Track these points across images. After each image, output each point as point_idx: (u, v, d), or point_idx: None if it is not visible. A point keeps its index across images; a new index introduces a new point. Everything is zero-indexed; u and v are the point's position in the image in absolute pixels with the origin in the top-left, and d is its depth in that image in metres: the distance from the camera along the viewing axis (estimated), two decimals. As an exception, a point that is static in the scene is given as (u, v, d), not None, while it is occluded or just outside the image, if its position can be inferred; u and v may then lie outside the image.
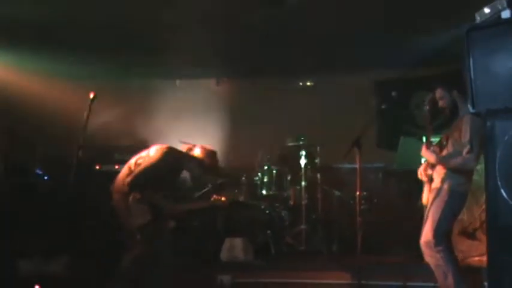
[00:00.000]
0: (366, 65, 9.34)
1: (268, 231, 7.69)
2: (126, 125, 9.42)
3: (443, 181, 4.96)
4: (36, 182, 8.09)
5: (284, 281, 6.35)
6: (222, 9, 6.83)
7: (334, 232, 7.94)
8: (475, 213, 6.40)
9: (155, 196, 5.35)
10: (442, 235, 4.90)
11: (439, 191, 4.96)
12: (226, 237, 7.32)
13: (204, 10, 6.84)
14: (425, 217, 5.02)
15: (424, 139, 5.33)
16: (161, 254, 5.39)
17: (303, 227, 7.90)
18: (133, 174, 5.29)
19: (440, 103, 5.12)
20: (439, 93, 5.12)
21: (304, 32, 7.62)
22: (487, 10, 3.82)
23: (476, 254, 6.12)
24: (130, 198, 5.23)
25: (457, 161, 4.88)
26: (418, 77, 9.34)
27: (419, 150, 5.18)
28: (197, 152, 5.68)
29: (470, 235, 6.46)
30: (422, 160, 5.32)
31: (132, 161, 5.46)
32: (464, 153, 4.78)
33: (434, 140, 5.28)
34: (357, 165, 5.33)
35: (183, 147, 5.73)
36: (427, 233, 4.92)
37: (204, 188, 8.04)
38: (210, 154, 5.73)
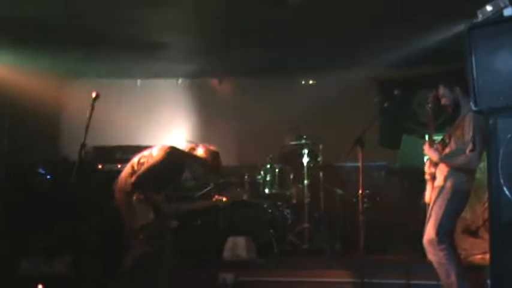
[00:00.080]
0: (368, 63, 9.31)
1: (271, 230, 7.69)
2: (128, 124, 9.43)
3: (446, 179, 4.95)
4: (39, 181, 8.09)
5: (287, 279, 6.35)
6: (224, 8, 6.83)
7: (337, 230, 7.93)
8: (477, 211, 6.40)
9: (158, 196, 5.35)
10: (445, 233, 4.90)
11: (441, 189, 4.96)
12: (229, 236, 7.31)
13: (205, 9, 6.84)
14: (428, 215, 5.02)
15: (426, 137, 5.32)
16: (164, 253, 5.39)
17: (305, 225, 7.90)
18: (136, 174, 5.29)
19: (443, 101, 5.13)
20: (441, 91, 5.12)
21: (306, 30, 7.62)
22: (489, 8, 3.81)
23: (479, 252, 6.13)
24: (134, 197, 5.24)
25: (460, 160, 4.88)
26: (420, 75, 9.32)
27: (422, 148, 5.19)
28: (200, 152, 5.68)
29: (473, 233, 6.46)
30: (425, 158, 5.32)
31: (135, 160, 5.46)
32: (467, 151, 4.78)
33: (437, 138, 5.27)
34: (360, 164, 5.33)
35: (186, 147, 5.74)
36: (430, 231, 4.92)
37: (206, 188, 8.04)
38: (213, 154, 5.73)
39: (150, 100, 10.16)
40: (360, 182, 5.31)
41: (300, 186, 8.27)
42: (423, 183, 5.31)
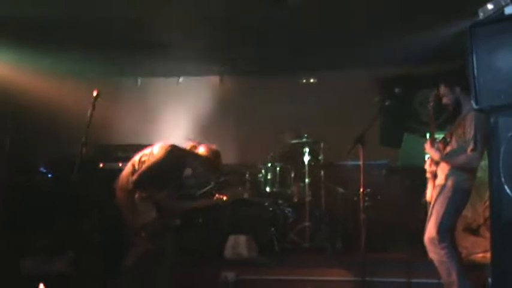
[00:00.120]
0: (369, 62, 9.33)
1: (272, 229, 7.68)
2: (129, 122, 9.43)
3: (447, 178, 4.96)
4: (40, 180, 8.10)
5: (288, 278, 6.36)
6: (224, 7, 6.83)
7: (338, 229, 7.92)
8: (478, 210, 6.41)
9: (160, 194, 5.36)
10: (446, 232, 4.91)
11: (443, 187, 4.97)
12: (230, 235, 7.31)
13: (207, 8, 6.85)
14: (429, 214, 5.03)
15: (427, 136, 5.32)
16: (165, 252, 5.40)
17: (306, 224, 7.89)
18: (137, 173, 5.29)
19: (444, 100, 5.13)
20: (442, 90, 5.13)
21: (307, 28, 7.62)
22: (490, 6, 3.81)
23: (480, 250, 6.13)
24: (136, 196, 5.24)
25: (460, 159, 4.89)
26: (421, 74, 9.32)
27: (423, 147, 5.19)
28: (201, 150, 5.68)
29: (474, 231, 6.46)
30: (426, 157, 5.32)
31: (136, 158, 5.47)
32: (468, 151, 4.79)
33: (438, 136, 5.28)
34: (361, 162, 5.33)
35: (187, 145, 5.74)
36: (430, 230, 4.92)
37: (207, 186, 8.04)
38: (214, 153, 5.73)
39: (151, 99, 10.16)
40: (361, 180, 5.32)
41: (301, 184, 8.26)
42: (424, 181, 5.31)
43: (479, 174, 5.07)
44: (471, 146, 4.75)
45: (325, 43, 8.37)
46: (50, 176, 8.21)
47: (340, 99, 9.53)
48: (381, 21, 7.34)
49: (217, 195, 5.90)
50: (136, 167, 5.36)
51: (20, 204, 7.59)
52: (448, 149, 5.06)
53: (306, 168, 8.12)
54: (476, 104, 3.72)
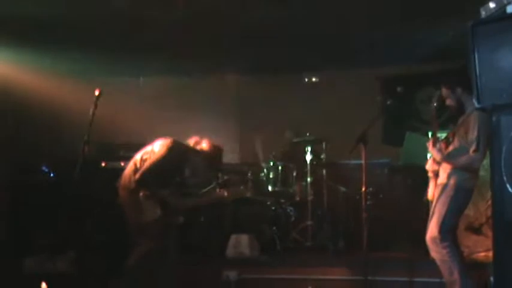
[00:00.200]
0: (370, 61, 9.33)
1: (274, 228, 7.68)
2: (131, 121, 9.43)
3: (449, 177, 4.96)
4: (42, 179, 8.10)
5: (290, 277, 6.37)
6: (226, 6, 6.83)
7: (340, 228, 7.91)
8: (481, 209, 6.39)
9: (163, 191, 5.35)
10: (448, 231, 4.91)
11: (445, 186, 4.96)
12: (232, 234, 7.31)
13: (210, 7, 6.84)
14: (431, 213, 5.03)
15: (430, 134, 5.32)
16: (168, 250, 5.39)
17: (308, 223, 7.87)
18: (140, 171, 5.28)
19: (447, 102, 5.12)
20: (444, 92, 5.12)
21: (309, 27, 7.61)
22: (492, 5, 3.80)
23: (482, 249, 6.12)
24: (141, 194, 5.24)
25: (462, 160, 4.88)
26: (423, 73, 9.32)
27: (425, 146, 5.18)
28: (204, 146, 5.67)
29: (476, 230, 6.45)
30: (428, 156, 5.32)
31: (138, 157, 5.46)
32: (471, 152, 4.78)
33: (441, 135, 5.27)
34: (363, 161, 5.33)
35: (189, 141, 5.72)
36: (432, 229, 4.92)
37: (209, 185, 8.04)
38: (216, 149, 5.73)
39: (153, 98, 10.15)
40: (363, 179, 5.32)
41: (303, 183, 8.25)
42: (426, 180, 5.31)
43: (481, 173, 5.07)
44: (473, 147, 4.74)
45: (326, 43, 8.36)
46: (51, 175, 8.21)
47: (342, 98, 9.54)
48: (382, 21, 7.33)
49: (218, 190, 5.89)
50: (138, 165, 5.35)
51: (22, 203, 7.60)
52: (451, 148, 5.05)
53: (308, 167, 8.09)
54: (478, 103, 3.71)
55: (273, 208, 7.98)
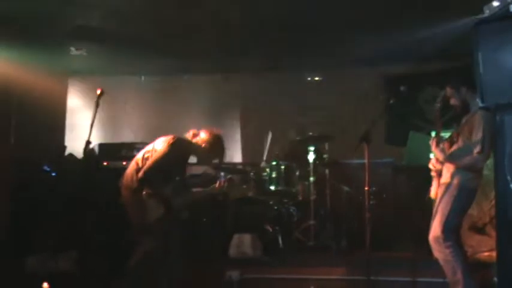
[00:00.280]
0: (374, 60, 9.30)
1: (277, 227, 7.67)
2: (133, 121, 9.43)
3: (452, 176, 4.94)
4: (44, 179, 8.09)
5: (293, 277, 6.35)
6: (228, 5, 6.81)
7: (343, 227, 7.89)
8: (484, 208, 6.38)
9: (166, 189, 5.34)
10: (451, 230, 4.89)
11: (448, 186, 4.95)
12: (235, 233, 7.30)
13: (209, 6, 6.83)
14: (434, 212, 5.01)
15: (433, 134, 5.30)
16: (172, 249, 5.38)
17: (311, 222, 7.86)
18: (142, 170, 5.27)
19: (452, 101, 5.11)
20: (448, 92, 5.11)
21: (312, 26, 7.59)
22: (495, 3, 3.79)
23: (486, 249, 6.10)
24: (144, 193, 5.23)
25: (466, 160, 4.87)
26: (426, 72, 9.30)
27: (429, 145, 5.17)
28: (203, 136, 5.65)
29: (479, 230, 6.44)
30: (431, 155, 5.30)
31: (139, 156, 5.44)
32: (474, 152, 4.76)
33: (444, 134, 5.25)
34: (366, 161, 5.31)
35: (187, 134, 5.70)
36: (435, 229, 4.91)
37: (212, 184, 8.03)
38: (216, 137, 5.70)
39: (154, 97, 10.15)
40: (366, 179, 5.30)
41: (306, 183, 8.24)
42: (430, 180, 5.30)
43: (485, 172, 5.05)
44: (478, 149, 4.73)
45: (329, 41, 8.34)
46: (53, 174, 8.20)
47: (345, 98, 9.53)
48: (385, 20, 7.31)
49: (218, 182, 5.84)
50: (140, 164, 5.34)
51: (24, 202, 7.59)
52: (454, 147, 5.04)
53: (311, 166, 8.08)
54: (482, 102, 3.70)
55: (276, 208, 7.97)
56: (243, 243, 7.18)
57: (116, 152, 8.11)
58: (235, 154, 9.73)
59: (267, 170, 8.28)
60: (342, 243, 7.67)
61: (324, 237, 7.79)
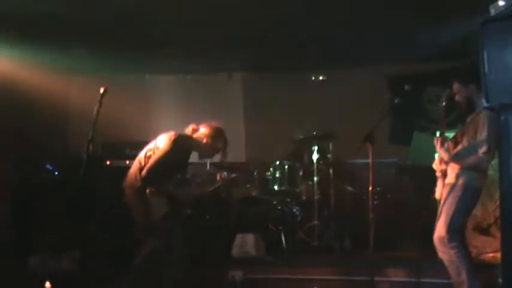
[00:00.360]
0: (378, 59, 9.30)
1: (280, 227, 7.65)
2: (136, 120, 9.42)
3: (457, 176, 4.93)
4: (46, 178, 8.10)
5: (296, 277, 6.34)
6: (232, 4, 6.80)
7: (346, 228, 7.87)
8: (489, 209, 6.36)
9: (170, 186, 5.33)
10: (456, 231, 4.87)
11: (453, 186, 4.93)
12: (238, 233, 7.29)
13: (215, 5, 6.83)
14: (438, 213, 4.99)
15: (437, 134, 5.28)
16: (175, 248, 5.36)
17: (315, 222, 7.84)
18: (145, 169, 5.26)
19: (457, 97, 5.08)
20: (455, 87, 5.07)
21: (316, 26, 7.58)
22: (501, 2, 3.76)
23: (491, 250, 6.09)
24: (148, 192, 5.22)
25: (470, 160, 4.84)
26: (430, 71, 9.29)
27: (433, 145, 5.14)
28: (203, 130, 5.63)
29: (484, 231, 6.42)
30: (436, 155, 5.28)
31: (142, 155, 5.43)
32: (480, 152, 4.74)
33: (449, 134, 5.23)
34: (370, 161, 5.29)
35: (187, 130, 5.69)
36: (440, 229, 4.89)
37: (215, 184, 8.02)
38: (217, 129, 5.68)
39: (158, 96, 10.15)
40: (370, 179, 5.29)
41: (310, 183, 8.22)
42: (434, 180, 5.27)
43: (490, 172, 5.03)
44: (484, 149, 4.70)
45: (334, 41, 8.33)
46: (56, 173, 8.21)
47: (349, 97, 9.52)
48: (389, 19, 7.30)
49: (219, 175, 5.81)
50: (143, 163, 5.33)
51: (26, 201, 7.59)
52: (459, 147, 5.01)
53: (315, 166, 8.06)
54: (487, 101, 3.67)
55: (279, 207, 7.95)
56: (246, 243, 7.17)
57: (119, 151, 8.11)
58: (238, 154, 9.71)
59: (271, 169, 8.26)
60: (346, 243, 7.65)
61: (328, 237, 7.77)
